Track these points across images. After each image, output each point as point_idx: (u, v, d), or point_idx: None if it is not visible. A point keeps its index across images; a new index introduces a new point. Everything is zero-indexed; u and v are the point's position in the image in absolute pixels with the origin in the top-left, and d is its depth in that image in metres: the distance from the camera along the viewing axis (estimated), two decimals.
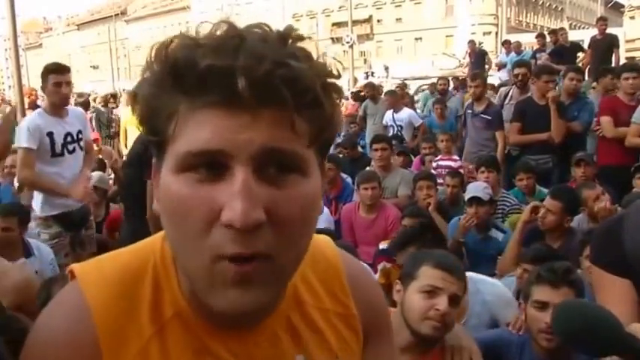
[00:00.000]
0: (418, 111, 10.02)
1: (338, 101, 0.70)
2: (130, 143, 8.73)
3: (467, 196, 4.32)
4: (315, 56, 0.68)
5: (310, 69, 0.65)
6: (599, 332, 1.19)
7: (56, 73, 4.18)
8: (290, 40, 0.67)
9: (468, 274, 2.84)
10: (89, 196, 4.33)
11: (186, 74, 0.64)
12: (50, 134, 4.14)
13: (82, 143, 4.39)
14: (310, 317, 0.84)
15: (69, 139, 4.25)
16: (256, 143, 0.63)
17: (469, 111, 6.39)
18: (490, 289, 2.80)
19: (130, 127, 9.05)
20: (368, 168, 5.76)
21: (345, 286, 0.89)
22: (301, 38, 0.68)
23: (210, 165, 0.64)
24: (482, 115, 6.18)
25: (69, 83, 4.28)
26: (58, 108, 4.22)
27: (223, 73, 0.62)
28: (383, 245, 3.66)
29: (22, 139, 4.06)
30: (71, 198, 4.14)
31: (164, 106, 0.66)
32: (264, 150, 0.64)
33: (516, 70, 6.71)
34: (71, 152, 4.27)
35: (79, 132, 4.36)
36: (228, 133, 0.63)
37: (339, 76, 0.69)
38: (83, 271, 0.78)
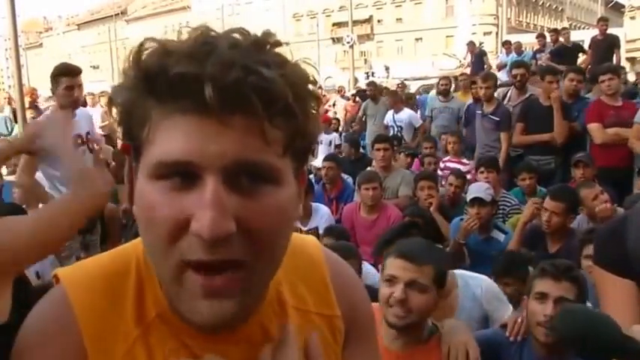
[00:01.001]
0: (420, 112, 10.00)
1: (314, 108, 0.69)
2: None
3: (468, 196, 4.31)
4: (292, 62, 0.67)
5: (282, 76, 0.63)
6: (599, 336, 1.19)
7: (68, 76, 4.09)
8: (267, 46, 0.66)
9: (457, 271, 2.87)
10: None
11: (157, 81, 0.63)
12: None
13: (90, 145, 4.29)
14: (289, 318, 0.83)
15: (78, 141, 4.16)
16: (227, 154, 0.63)
17: (478, 112, 6.36)
18: (479, 282, 2.81)
19: None
20: (369, 168, 5.75)
21: (328, 286, 0.89)
22: (278, 44, 0.67)
23: (182, 174, 0.64)
24: (490, 116, 6.17)
25: (80, 86, 4.18)
26: (68, 109, 4.14)
27: (192, 81, 0.61)
28: None
29: None
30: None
31: (138, 111, 0.67)
32: (235, 161, 0.63)
33: (514, 71, 6.71)
34: (83, 154, 4.12)
35: (87, 133, 4.28)
36: (198, 143, 0.63)
37: (314, 82, 0.69)
38: (67, 274, 0.78)
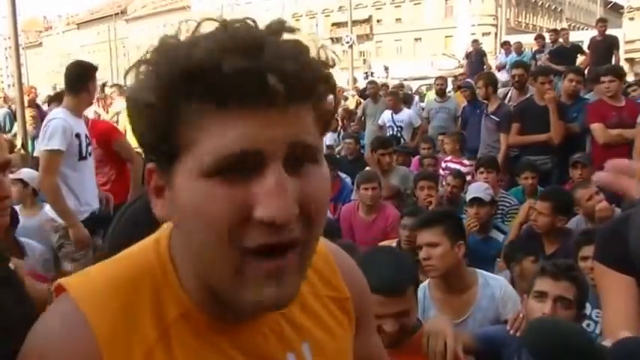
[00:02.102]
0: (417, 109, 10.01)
1: (337, 93, 0.74)
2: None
3: (468, 196, 4.33)
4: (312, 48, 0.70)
5: (319, 62, 0.68)
6: (572, 347, 1.21)
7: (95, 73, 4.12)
8: (284, 33, 0.68)
9: (478, 270, 2.89)
10: (88, 244, 3.90)
11: (207, 77, 0.63)
12: (78, 136, 3.91)
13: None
14: (309, 304, 0.86)
15: (87, 141, 4.04)
16: (287, 140, 0.65)
17: (479, 111, 6.34)
18: (499, 284, 2.82)
19: (130, 127, 9.05)
20: (368, 168, 5.76)
21: (336, 270, 0.91)
22: (293, 30, 0.69)
23: (239, 166, 0.65)
24: (491, 116, 6.19)
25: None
26: (84, 109, 4.12)
27: (251, 74, 0.62)
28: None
29: (54, 141, 3.74)
30: (71, 236, 3.82)
31: (179, 111, 0.66)
32: (292, 146, 0.66)
33: (513, 71, 6.73)
34: (90, 155, 4.08)
35: (87, 135, 4.12)
36: (260, 132, 0.64)
37: (333, 65, 0.72)
38: (72, 283, 0.75)
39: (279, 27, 0.68)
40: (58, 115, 3.91)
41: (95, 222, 4.00)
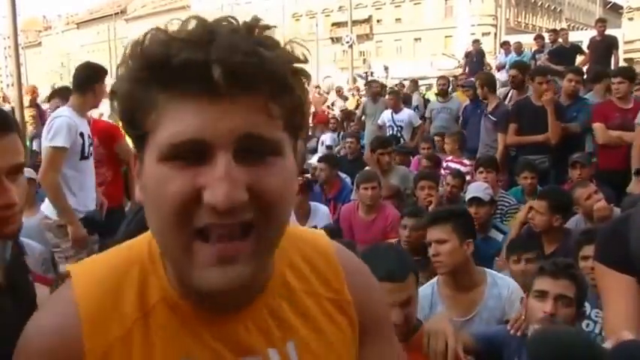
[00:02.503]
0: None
1: (306, 85, 0.75)
2: (129, 141, 8.75)
3: (467, 196, 4.34)
4: (282, 43, 0.72)
5: (279, 56, 0.69)
6: (575, 358, 1.21)
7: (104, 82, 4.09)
8: (257, 30, 0.71)
9: (487, 269, 2.92)
10: (83, 243, 3.90)
11: (162, 68, 0.67)
12: (82, 135, 3.94)
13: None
14: (301, 303, 0.86)
15: (90, 141, 4.06)
16: (235, 130, 0.68)
17: (478, 111, 6.35)
18: (507, 284, 2.84)
19: None
20: (367, 168, 5.76)
21: (338, 273, 0.90)
22: (267, 27, 0.71)
23: (191, 152, 0.68)
24: (489, 116, 6.21)
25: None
26: (88, 109, 4.12)
27: (198, 65, 0.66)
28: None
29: (59, 138, 3.79)
30: (70, 234, 3.85)
31: (142, 100, 0.70)
32: (243, 136, 0.68)
33: (509, 72, 6.75)
34: (91, 155, 4.10)
35: (89, 135, 4.12)
36: (207, 122, 0.67)
37: (305, 61, 0.73)
38: (77, 269, 0.82)
39: (251, 24, 0.71)
40: (63, 112, 3.95)
41: (88, 224, 3.98)
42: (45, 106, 9.21)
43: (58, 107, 4.77)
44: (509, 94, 6.85)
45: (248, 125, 0.68)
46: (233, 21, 0.71)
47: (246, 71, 0.66)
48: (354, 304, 0.90)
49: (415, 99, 10.08)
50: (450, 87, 9.32)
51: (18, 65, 10.52)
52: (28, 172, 4.40)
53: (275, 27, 0.73)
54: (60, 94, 5.43)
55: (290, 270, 0.87)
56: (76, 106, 4.02)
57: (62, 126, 3.81)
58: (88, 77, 4.08)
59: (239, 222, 0.69)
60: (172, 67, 0.66)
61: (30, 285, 1.50)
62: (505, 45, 14.19)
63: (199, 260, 0.69)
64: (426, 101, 9.84)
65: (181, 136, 0.68)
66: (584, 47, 11.02)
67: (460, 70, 14.79)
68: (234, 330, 0.80)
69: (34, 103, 9.47)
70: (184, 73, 0.67)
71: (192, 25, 0.69)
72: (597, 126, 5.40)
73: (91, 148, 4.06)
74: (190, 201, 0.68)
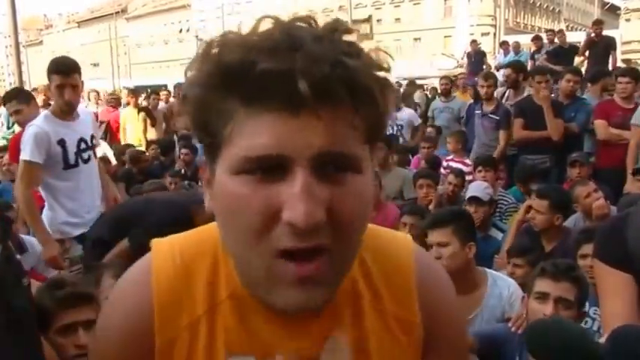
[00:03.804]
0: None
1: (392, 96, 0.70)
2: (129, 140, 8.79)
3: (467, 195, 4.34)
4: (367, 50, 0.68)
5: (365, 67, 0.65)
6: (572, 349, 1.22)
7: (59, 74, 3.46)
8: (341, 35, 0.66)
9: (488, 270, 2.92)
10: (59, 264, 3.45)
11: (241, 78, 0.63)
12: (62, 142, 3.49)
13: (95, 150, 3.81)
14: (366, 316, 0.82)
15: (82, 145, 3.62)
16: (316, 146, 0.64)
17: (478, 111, 6.35)
18: (507, 284, 2.84)
19: (130, 126, 9.07)
20: None
21: (412, 290, 0.85)
22: (349, 31, 0.67)
23: (267, 167, 0.65)
24: (491, 116, 6.17)
25: (75, 87, 3.51)
26: (66, 112, 3.54)
27: (282, 77, 0.61)
28: None
29: (26, 151, 3.39)
30: (42, 253, 3.44)
31: (217, 108, 0.67)
32: (324, 152, 0.64)
33: (504, 72, 6.76)
34: (86, 161, 3.65)
35: (92, 136, 3.73)
36: (287, 136, 0.63)
37: (389, 69, 0.69)
38: (158, 244, 0.84)
39: (332, 27, 0.66)
40: (36, 120, 3.53)
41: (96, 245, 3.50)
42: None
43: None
44: (506, 94, 6.86)
45: (330, 140, 0.64)
46: (312, 23, 0.66)
47: (333, 84, 0.62)
48: (424, 320, 0.85)
49: (417, 96, 10.08)
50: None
51: (19, 64, 10.54)
52: None
53: (358, 31, 0.69)
54: (20, 97, 4.65)
55: (361, 276, 0.83)
56: (53, 109, 3.61)
57: (29, 138, 3.41)
58: (47, 75, 3.57)
59: (318, 246, 0.66)
60: (253, 77, 0.62)
61: (20, 287, 1.47)
62: (504, 44, 14.23)
63: (279, 279, 0.67)
64: (430, 101, 9.84)
65: (260, 150, 0.64)
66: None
67: (459, 70, 14.80)
68: (298, 334, 0.78)
69: (47, 104, 9.49)
70: (266, 85, 0.62)
71: (267, 26, 0.65)
72: (599, 123, 5.45)
73: (87, 154, 3.66)
74: (270, 220, 0.65)
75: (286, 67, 0.61)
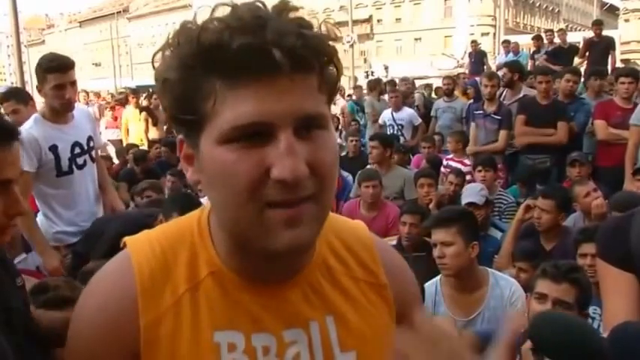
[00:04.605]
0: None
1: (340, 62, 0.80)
2: (132, 140, 8.82)
3: (463, 200, 4.34)
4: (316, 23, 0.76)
5: (322, 36, 0.75)
6: (575, 340, 1.23)
7: (57, 72, 3.21)
8: (290, 13, 0.74)
9: (489, 269, 2.94)
10: (58, 271, 3.21)
11: (220, 55, 0.71)
12: (54, 148, 3.28)
13: (93, 153, 3.57)
14: (341, 282, 0.91)
15: (77, 150, 3.41)
16: (294, 109, 0.72)
17: (479, 112, 6.33)
18: (509, 284, 2.86)
19: (132, 125, 9.10)
20: (369, 166, 5.79)
21: (376, 257, 0.95)
22: (296, 9, 0.75)
23: (253, 133, 0.73)
24: (493, 116, 6.16)
25: (74, 83, 3.30)
26: (61, 114, 3.33)
27: (257, 49, 0.70)
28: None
29: None
30: (42, 264, 3.26)
31: (199, 86, 0.74)
32: (301, 116, 0.73)
33: (501, 72, 6.78)
34: (81, 167, 3.45)
35: (89, 139, 3.51)
36: (268, 104, 0.71)
37: (338, 39, 0.78)
38: (133, 239, 0.89)
39: (282, 6, 0.74)
40: (25, 125, 3.22)
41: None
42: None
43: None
44: (503, 94, 6.87)
45: (304, 103, 0.73)
46: (261, 5, 0.74)
47: (301, 51, 0.70)
48: (391, 288, 0.94)
49: (417, 97, 10.08)
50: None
51: (20, 63, 10.55)
52: None
53: (302, 8, 0.78)
54: (17, 97, 4.42)
55: (330, 253, 0.92)
56: (44, 112, 3.37)
57: None
58: (37, 75, 3.33)
59: (305, 196, 0.74)
60: (231, 52, 0.70)
61: (14, 288, 1.45)
62: (505, 43, 14.25)
63: (271, 225, 0.74)
64: (427, 100, 9.83)
65: (244, 118, 0.72)
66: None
67: (459, 70, 14.82)
68: (278, 303, 0.85)
69: None
70: (244, 58, 0.70)
71: (226, 11, 0.73)
72: (598, 122, 5.49)
73: (83, 159, 3.46)
74: (259, 179, 0.73)
75: (259, 40, 0.69)
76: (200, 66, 0.73)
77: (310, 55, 0.72)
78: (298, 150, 0.72)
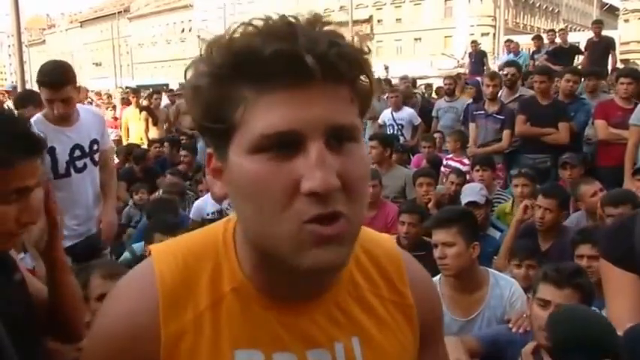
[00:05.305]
0: None
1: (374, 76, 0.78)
2: (132, 140, 8.84)
3: (463, 199, 4.34)
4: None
5: (354, 47, 0.73)
6: (594, 337, 1.24)
7: (47, 89, 3.20)
8: (320, 25, 0.73)
9: (490, 270, 2.94)
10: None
11: (252, 62, 0.70)
12: (52, 150, 3.24)
13: (96, 156, 3.49)
14: (367, 301, 0.88)
15: (77, 153, 3.38)
16: (325, 119, 0.70)
17: (480, 112, 6.32)
18: (509, 284, 2.85)
19: (132, 124, 9.12)
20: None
21: (403, 276, 0.92)
22: (328, 23, 0.74)
23: (281, 144, 0.70)
24: (495, 116, 6.16)
25: (66, 100, 3.23)
26: (61, 116, 3.29)
27: (290, 56, 0.68)
28: None
29: None
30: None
31: (229, 94, 0.72)
32: (332, 126, 0.71)
33: (505, 70, 6.77)
34: (80, 171, 3.41)
35: (93, 142, 3.45)
36: (299, 113, 0.70)
37: (369, 52, 0.76)
38: (158, 248, 0.87)
39: (314, 19, 0.73)
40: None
41: (76, 251, 3.22)
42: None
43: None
44: (500, 93, 6.89)
45: (336, 113, 0.71)
46: (293, 17, 0.73)
47: (334, 59, 0.69)
48: (417, 308, 0.92)
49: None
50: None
51: (21, 63, 10.57)
52: None
53: (334, 23, 0.75)
54: (28, 99, 4.47)
55: (356, 268, 0.89)
56: (48, 113, 3.31)
57: None
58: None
59: (338, 211, 0.71)
60: (263, 58, 0.68)
61: (12, 287, 1.46)
62: (507, 42, 14.26)
63: (305, 242, 0.71)
64: (425, 101, 9.84)
65: (275, 127, 0.69)
66: (582, 48, 11.08)
67: (459, 70, 14.83)
68: (303, 322, 0.82)
69: None
70: (275, 64, 0.68)
71: (272, 21, 0.72)
72: (599, 122, 5.51)
73: (80, 162, 3.41)
74: (290, 192, 0.70)
75: (291, 47, 0.68)
76: (231, 72, 0.71)
77: (342, 64, 0.70)
78: (329, 161, 0.70)
